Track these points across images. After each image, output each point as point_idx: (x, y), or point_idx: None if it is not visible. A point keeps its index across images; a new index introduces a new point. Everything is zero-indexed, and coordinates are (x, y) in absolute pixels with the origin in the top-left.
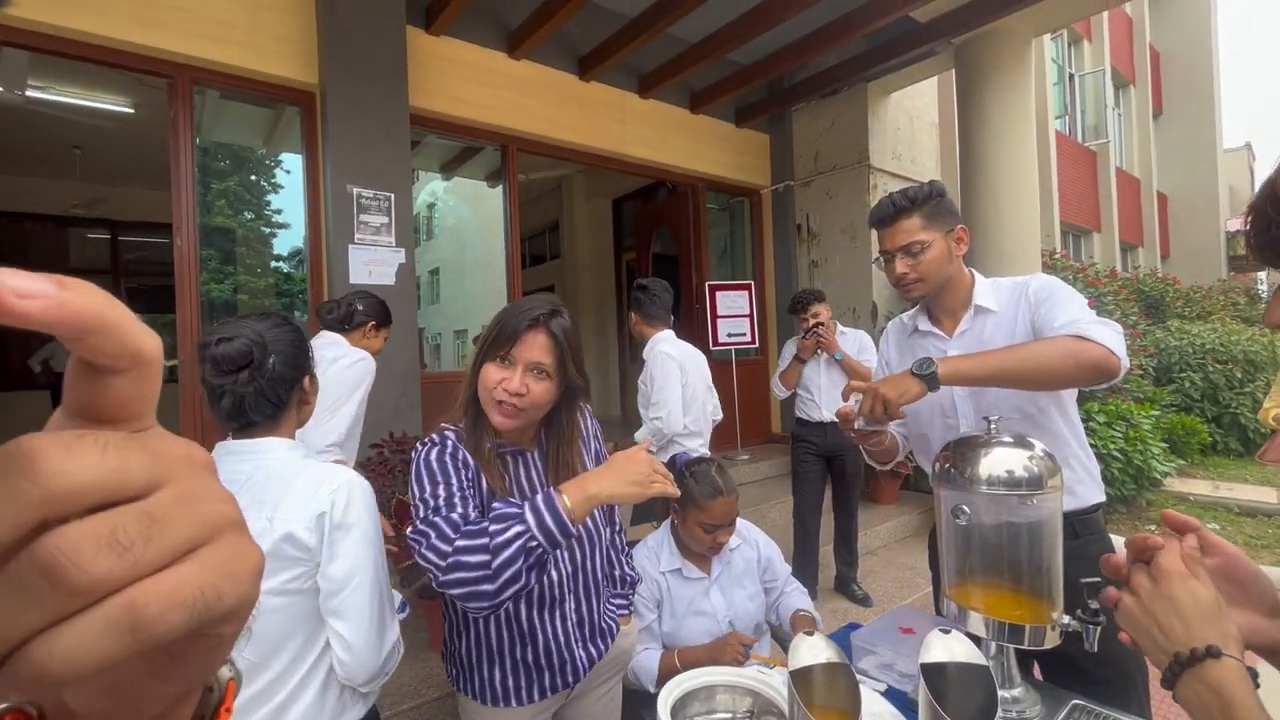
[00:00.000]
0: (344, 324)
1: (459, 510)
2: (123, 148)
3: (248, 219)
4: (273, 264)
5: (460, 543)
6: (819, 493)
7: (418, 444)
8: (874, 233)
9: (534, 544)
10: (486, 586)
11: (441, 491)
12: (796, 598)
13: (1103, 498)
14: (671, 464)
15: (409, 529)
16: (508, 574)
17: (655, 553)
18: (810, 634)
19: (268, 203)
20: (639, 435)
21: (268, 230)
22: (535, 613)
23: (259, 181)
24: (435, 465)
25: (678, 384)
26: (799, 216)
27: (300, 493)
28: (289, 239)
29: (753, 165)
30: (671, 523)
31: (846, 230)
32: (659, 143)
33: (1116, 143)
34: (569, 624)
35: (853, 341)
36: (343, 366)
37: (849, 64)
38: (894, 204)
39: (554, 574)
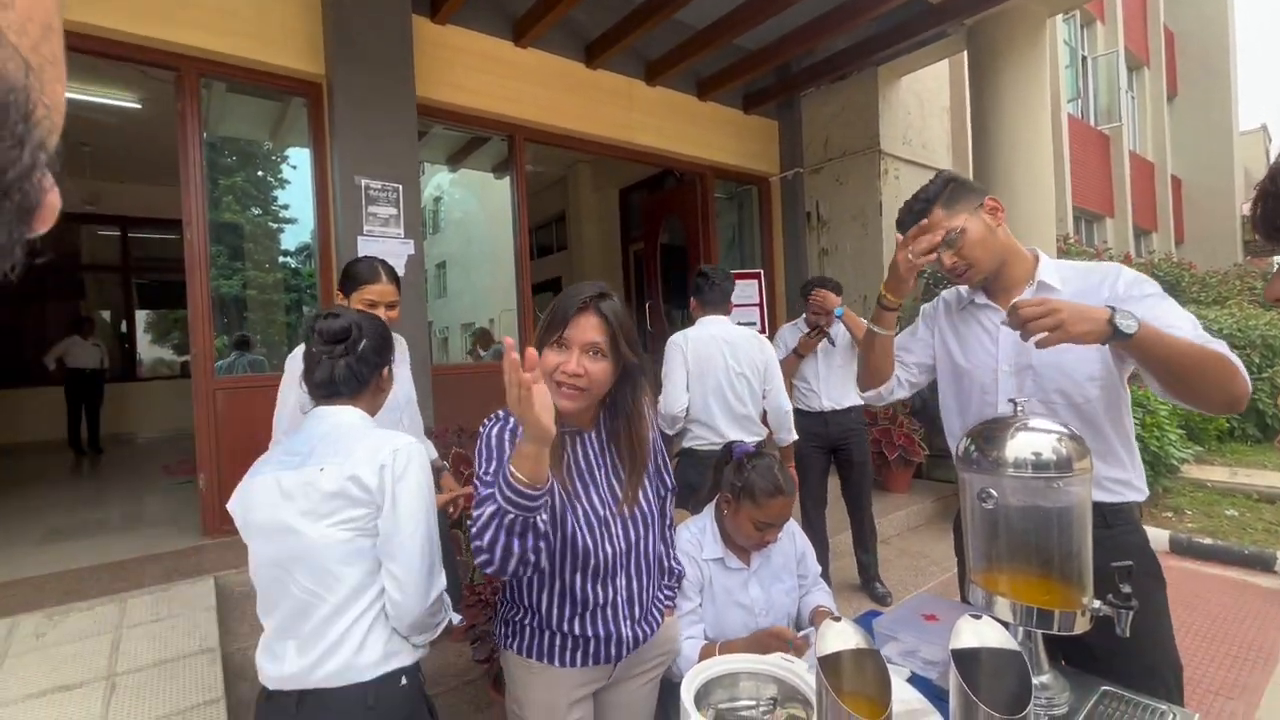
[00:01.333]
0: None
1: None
2: (131, 144)
3: (255, 214)
4: (280, 259)
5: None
6: (822, 485)
7: (485, 420)
8: (884, 219)
9: (509, 516)
10: (491, 562)
11: (493, 469)
12: (818, 594)
13: (1140, 497)
14: (727, 452)
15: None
16: (499, 548)
17: (699, 539)
18: (838, 620)
19: (275, 198)
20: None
21: (275, 225)
22: (589, 584)
23: (266, 177)
24: (494, 441)
25: (680, 369)
26: (809, 204)
27: (368, 448)
28: (297, 233)
29: (761, 152)
30: (717, 510)
31: (858, 217)
32: (666, 130)
33: (1130, 126)
34: (619, 599)
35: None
36: None
37: (858, 47)
38: (912, 210)
39: (608, 548)
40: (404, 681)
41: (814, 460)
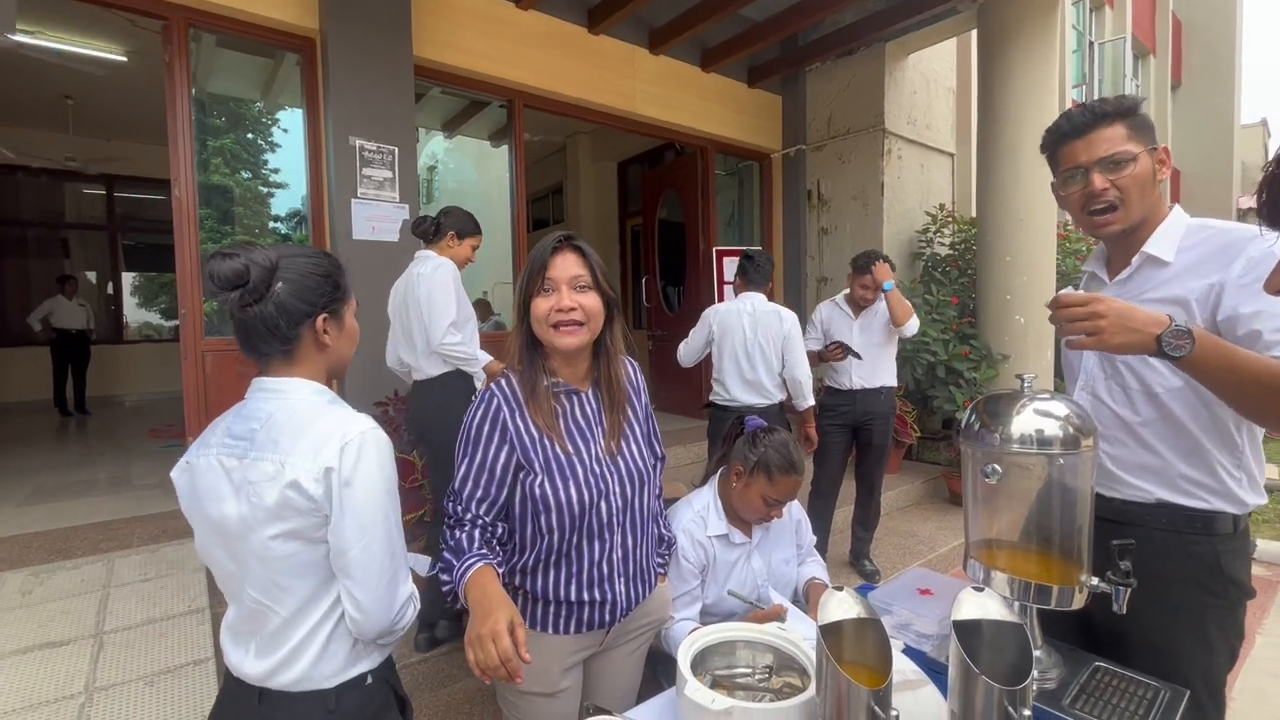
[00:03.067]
0: (428, 237)
1: (455, 513)
2: (118, 99)
3: (245, 178)
4: (271, 224)
5: (447, 549)
6: (842, 465)
7: (472, 400)
8: (885, 199)
9: (451, 579)
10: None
11: (461, 469)
12: (812, 566)
13: (1231, 509)
14: (740, 423)
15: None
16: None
17: (702, 516)
18: (840, 589)
19: (266, 160)
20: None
21: (266, 189)
22: (585, 541)
23: (257, 138)
24: (473, 432)
25: (701, 334)
26: (810, 182)
27: (311, 443)
28: (288, 198)
29: (764, 127)
30: (722, 484)
31: (859, 196)
32: (669, 101)
33: None
34: (615, 556)
35: (886, 310)
36: (427, 274)
37: (866, 22)
38: (1093, 110)
39: (604, 506)
40: (369, 681)
41: (835, 438)
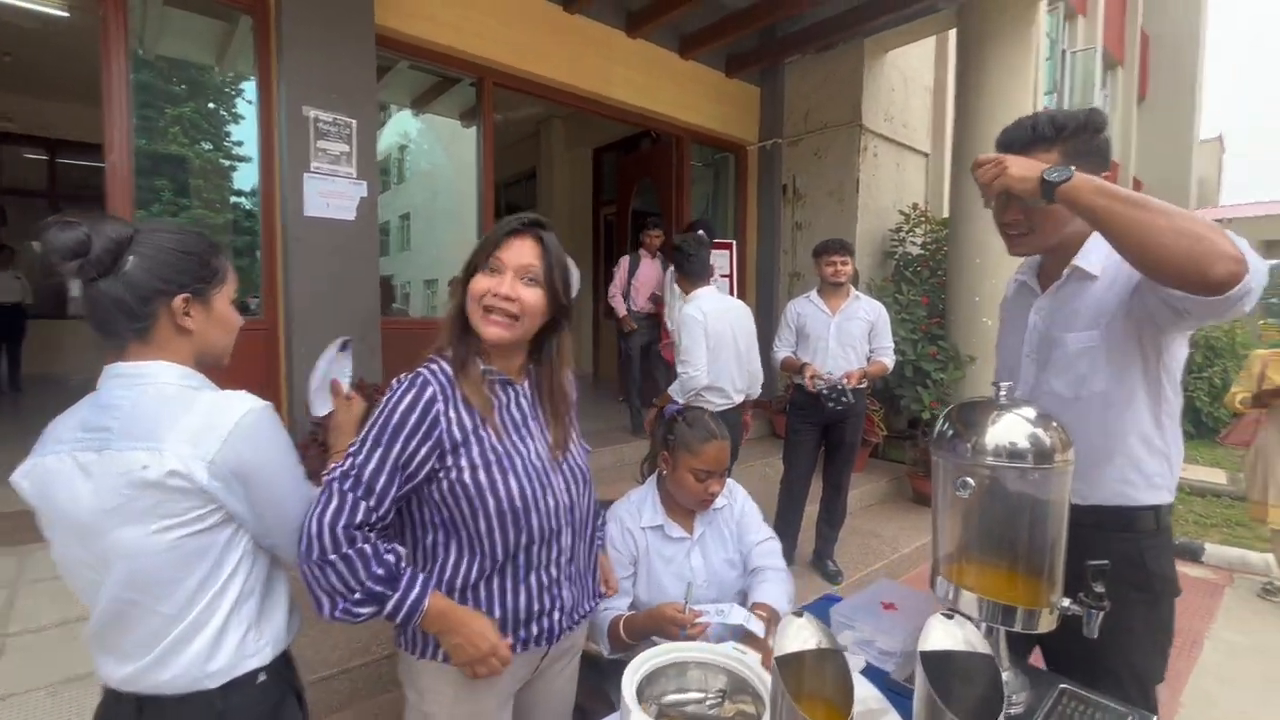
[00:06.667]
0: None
1: (363, 511)
2: (59, 58)
3: (197, 147)
4: (230, 198)
5: (345, 551)
6: (812, 463)
7: (394, 381)
8: (860, 197)
9: (383, 611)
10: (324, 602)
11: (375, 457)
12: (771, 587)
13: (1151, 499)
14: (659, 415)
15: (330, 466)
16: (348, 614)
17: (637, 507)
18: (799, 614)
19: (217, 130)
20: (672, 389)
21: (221, 160)
22: (529, 543)
23: (209, 105)
24: (397, 418)
25: (702, 342)
26: (785, 176)
27: (190, 429)
28: (244, 170)
29: (741, 119)
30: (659, 476)
31: (834, 193)
32: (645, 87)
33: None
34: (561, 560)
35: (865, 312)
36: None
37: (847, 16)
38: (1034, 128)
39: (549, 503)
40: (262, 679)
41: (806, 436)
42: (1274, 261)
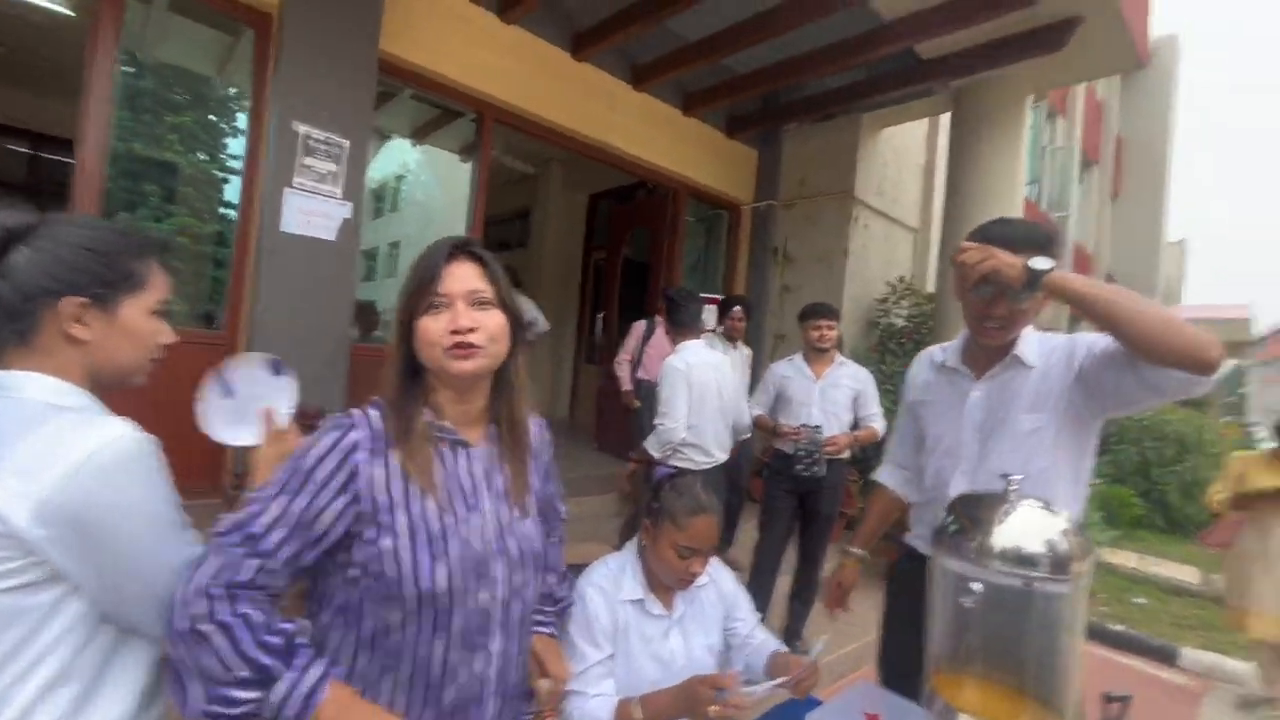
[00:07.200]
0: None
1: (251, 570)
2: (57, 56)
3: (200, 159)
4: (220, 210)
5: (223, 619)
6: (787, 534)
7: (328, 420)
8: (848, 265)
9: (268, 698)
10: (192, 690)
11: (275, 507)
12: (771, 644)
13: None
14: (648, 479)
15: (230, 514)
16: (221, 702)
17: (616, 576)
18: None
19: (224, 144)
20: (648, 443)
21: (219, 173)
22: (449, 647)
23: (214, 120)
24: (308, 464)
25: (683, 394)
26: (777, 239)
27: (24, 456)
28: (228, 181)
29: (738, 179)
30: (639, 545)
31: (823, 259)
32: (646, 139)
33: (1075, 218)
34: (489, 671)
35: (851, 378)
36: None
37: (846, 90)
38: (1017, 234)
39: (482, 598)
40: None
41: (782, 504)
42: (1234, 362)
